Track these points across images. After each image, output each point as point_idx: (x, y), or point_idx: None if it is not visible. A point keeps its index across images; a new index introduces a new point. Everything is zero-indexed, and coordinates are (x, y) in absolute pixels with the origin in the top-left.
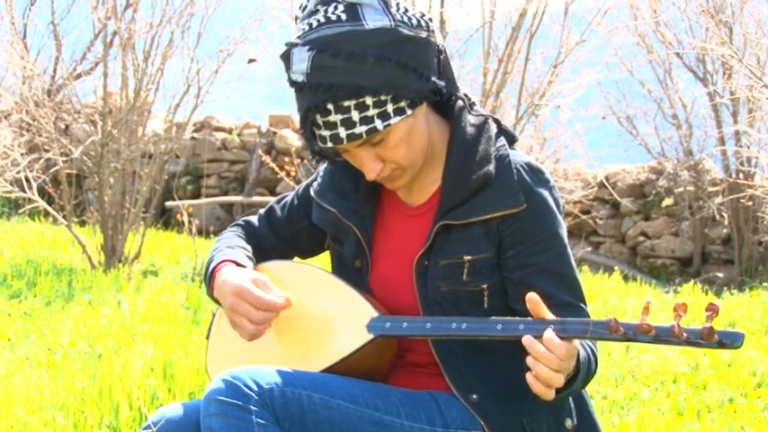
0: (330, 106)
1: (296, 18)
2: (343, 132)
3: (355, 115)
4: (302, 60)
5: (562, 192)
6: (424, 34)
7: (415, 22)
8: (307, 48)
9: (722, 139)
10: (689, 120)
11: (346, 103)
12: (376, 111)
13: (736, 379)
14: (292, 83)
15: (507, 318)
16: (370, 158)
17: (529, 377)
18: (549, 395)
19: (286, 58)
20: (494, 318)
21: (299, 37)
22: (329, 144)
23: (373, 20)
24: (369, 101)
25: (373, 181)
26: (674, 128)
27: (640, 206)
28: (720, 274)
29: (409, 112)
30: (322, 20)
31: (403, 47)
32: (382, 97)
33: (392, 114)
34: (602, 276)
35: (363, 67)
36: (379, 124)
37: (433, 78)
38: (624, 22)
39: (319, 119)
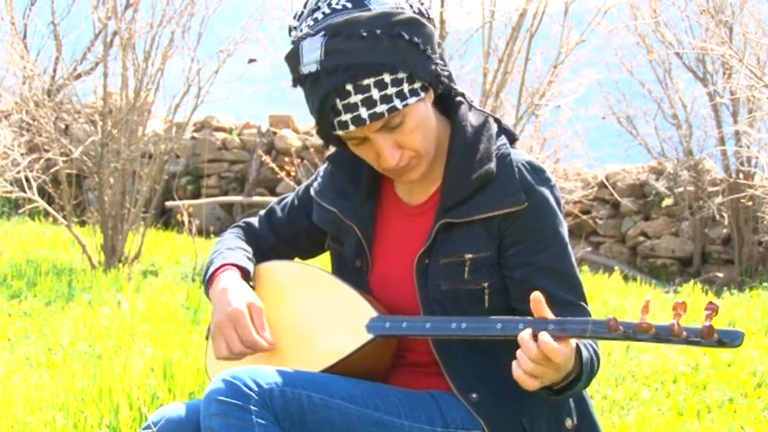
0: (349, 87)
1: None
2: (364, 113)
3: (375, 93)
4: (314, 49)
5: (562, 192)
6: (425, 21)
7: (416, 9)
8: (320, 35)
9: (722, 139)
10: (689, 120)
11: (366, 82)
12: (394, 89)
13: (736, 379)
14: (303, 78)
15: (507, 317)
16: (388, 145)
17: (515, 364)
18: (531, 386)
19: (294, 54)
20: (493, 317)
21: (305, 33)
22: (351, 128)
23: (378, 4)
24: (387, 78)
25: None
26: (674, 128)
27: (640, 206)
28: (720, 274)
29: (422, 94)
30: (327, 11)
31: (411, 27)
32: (399, 75)
33: (408, 95)
34: (602, 276)
35: (379, 45)
36: (398, 103)
37: (440, 62)
38: (624, 22)
39: (339, 103)
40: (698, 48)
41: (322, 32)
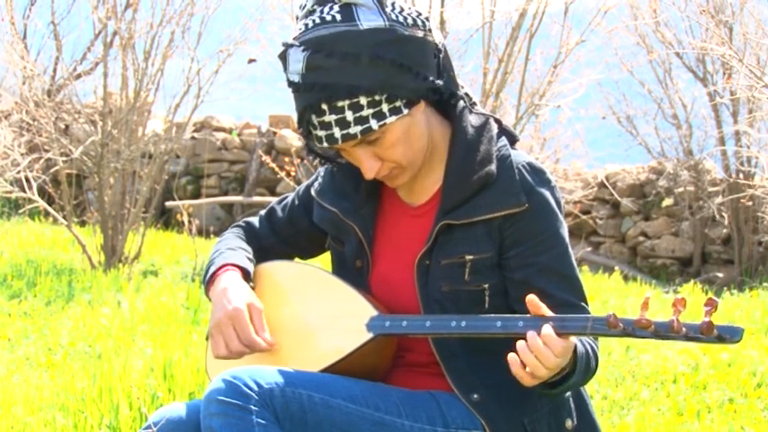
0: (324, 106)
1: (297, 18)
2: (338, 132)
3: (349, 115)
4: (297, 61)
5: (562, 192)
6: (420, 33)
7: (410, 21)
8: (302, 48)
9: (722, 139)
10: (689, 120)
11: (340, 104)
12: (371, 110)
13: (736, 379)
14: (290, 83)
15: (507, 315)
16: (367, 158)
17: (511, 357)
18: (529, 382)
19: (283, 58)
20: (493, 315)
21: (295, 38)
22: (325, 144)
23: (368, 20)
24: (363, 101)
25: (374, 180)
26: (674, 128)
27: (640, 206)
28: (720, 274)
29: (405, 111)
30: (317, 20)
31: (398, 46)
32: (376, 97)
33: (387, 114)
34: (602, 276)
35: (357, 67)
36: (374, 124)
37: (431, 77)
38: (624, 22)
39: (315, 119)
40: (698, 48)
41: (303, 47)
